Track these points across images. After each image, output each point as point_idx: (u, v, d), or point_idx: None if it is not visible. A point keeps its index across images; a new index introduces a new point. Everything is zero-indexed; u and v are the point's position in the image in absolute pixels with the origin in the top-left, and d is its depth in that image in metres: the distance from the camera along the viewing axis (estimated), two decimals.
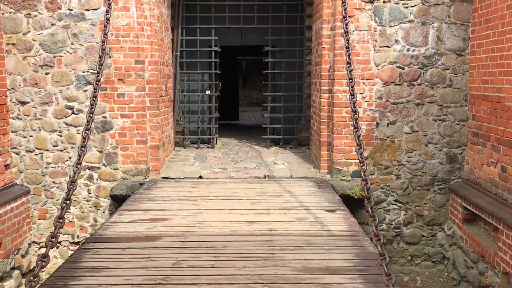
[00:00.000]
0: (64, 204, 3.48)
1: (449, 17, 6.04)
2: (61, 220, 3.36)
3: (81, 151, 3.89)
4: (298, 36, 7.70)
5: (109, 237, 4.10)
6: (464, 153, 6.25)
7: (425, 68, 6.14)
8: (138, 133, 6.24)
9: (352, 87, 4.19)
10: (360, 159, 3.76)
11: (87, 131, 4.06)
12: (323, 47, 6.27)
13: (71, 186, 3.60)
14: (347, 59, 4.39)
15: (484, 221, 5.60)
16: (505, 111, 5.15)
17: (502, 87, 5.23)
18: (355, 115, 4.06)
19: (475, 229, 5.80)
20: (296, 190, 5.71)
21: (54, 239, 3.16)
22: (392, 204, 6.41)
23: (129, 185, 6.08)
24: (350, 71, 4.31)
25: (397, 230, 6.45)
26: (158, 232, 4.22)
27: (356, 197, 6.08)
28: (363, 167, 3.74)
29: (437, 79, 6.16)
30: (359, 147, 3.86)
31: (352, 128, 4.08)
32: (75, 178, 3.69)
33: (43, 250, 6.09)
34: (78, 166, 3.76)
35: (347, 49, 4.48)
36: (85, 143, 3.98)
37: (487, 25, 5.56)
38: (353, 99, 4.14)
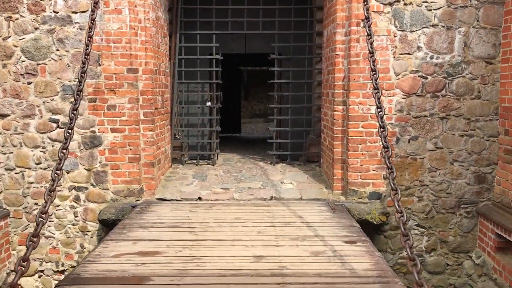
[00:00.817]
0: (31, 242, 2.82)
1: (477, 20, 5.42)
2: (25, 263, 2.70)
3: (55, 175, 3.22)
4: (307, 43, 7.07)
5: (89, 277, 3.43)
6: (494, 173, 5.58)
7: (450, 78, 5.50)
8: (130, 149, 5.59)
9: (379, 98, 3.55)
10: (392, 186, 3.11)
11: (63, 151, 3.40)
12: (337, 54, 5.64)
13: (40, 219, 2.94)
14: (372, 66, 3.75)
15: None
16: None
17: None
18: (384, 132, 3.41)
19: (511, 260, 5.12)
20: (308, 215, 5.04)
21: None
22: (414, 229, 5.73)
23: (120, 208, 5.42)
24: (376, 80, 3.67)
25: (419, 258, 5.76)
26: (148, 271, 3.54)
27: (375, 223, 5.41)
28: (397, 195, 3.08)
29: (464, 90, 5.51)
30: (390, 170, 3.20)
31: (381, 148, 3.42)
32: (47, 208, 3.03)
33: (22, 280, 5.42)
34: (51, 193, 3.09)
35: (371, 54, 3.84)
36: (61, 165, 3.32)
37: None
38: (380, 113, 3.50)
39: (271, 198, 5.68)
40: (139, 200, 5.62)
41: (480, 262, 5.56)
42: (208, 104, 7.28)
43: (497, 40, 5.42)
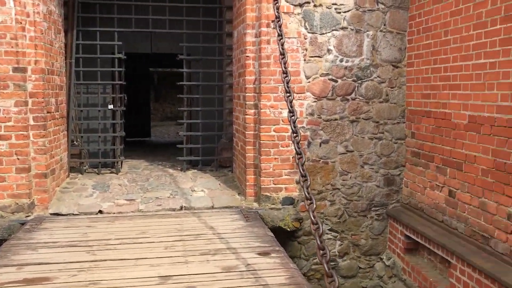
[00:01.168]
0: None
1: (384, 24, 5.48)
2: None
3: None
4: (217, 43, 6.79)
5: None
6: (402, 175, 5.68)
7: (359, 81, 5.51)
8: (18, 158, 4.93)
9: (291, 102, 3.35)
10: (307, 195, 2.91)
11: None
12: (247, 56, 5.43)
13: None
14: (283, 68, 3.55)
15: (428, 250, 5.02)
16: (452, 128, 4.61)
17: (447, 102, 4.70)
18: (297, 138, 3.21)
19: (419, 260, 5.22)
20: (220, 225, 4.75)
21: None
22: (327, 233, 5.66)
23: (6, 225, 4.75)
24: (287, 83, 3.47)
25: (332, 263, 5.71)
26: None
27: (288, 229, 5.26)
28: (312, 205, 2.88)
29: (372, 93, 5.55)
30: (304, 178, 3.01)
31: (294, 153, 3.22)
32: None
33: None
34: None
35: (283, 56, 3.63)
36: None
37: (427, 34, 5.04)
38: (293, 117, 3.30)
39: (181, 208, 5.31)
40: (29, 216, 4.97)
41: (390, 263, 5.62)
42: (110, 107, 6.72)
43: (403, 44, 5.52)
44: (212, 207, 5.36)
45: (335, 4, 5.34)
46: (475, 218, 4.26)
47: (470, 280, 4.12)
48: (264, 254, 3.97)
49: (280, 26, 3.85)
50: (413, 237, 5.16)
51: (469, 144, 4.34)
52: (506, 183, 3.83)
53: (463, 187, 4.45)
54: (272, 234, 4.54)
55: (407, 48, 5.50)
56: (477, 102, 4.21)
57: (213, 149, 6.87)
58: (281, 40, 3.76)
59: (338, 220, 5.66)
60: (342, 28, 5.40)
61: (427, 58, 5.06)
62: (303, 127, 5.45)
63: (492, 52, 3.97)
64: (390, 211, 5.65)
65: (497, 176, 3.95)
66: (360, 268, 5.79)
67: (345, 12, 5.38)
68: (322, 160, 5.56)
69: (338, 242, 5.70)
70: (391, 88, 5.56)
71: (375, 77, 5.52)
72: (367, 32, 5.44)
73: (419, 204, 5.26)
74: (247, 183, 5.56)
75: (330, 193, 5.61)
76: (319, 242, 2.67)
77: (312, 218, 2.79)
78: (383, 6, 5.43)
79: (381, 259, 5.78)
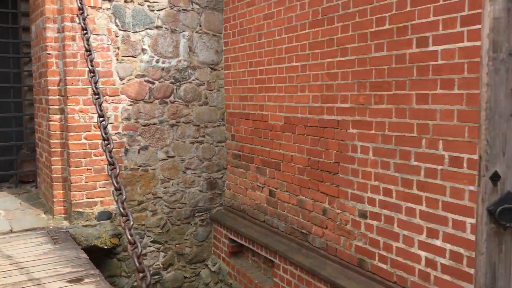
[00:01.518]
0: None
1: (200, 26, 5.35)
2: None
3: None
4: (11, 39, 5.84)
5: None
6: (224, 178, 5.64)
7: (178, 83, 5.29)
8: None
9: (100, 105, 2.92)
10: (122, 211, 2.53)
11: None
12: (49, 54, 4.74)
13: None
14: (90, 67, 3.09)
15: (252, 252, 5.06)
16: (270, 130, 4.70)
17: (264, 104, 4.77)
18: (108, 146, 2.80)
19: (244, 262, 5.22)
20: (21, 252, 4.00)
21: None
22: (149, 246, 5.29)
23: None
24: (96, 83, 3.02)
25: (157, 277, 5.37)
26: None
27: (106, 247, 4.74)
28: (128, 222, 2.52)
29: (191, 96, 5.38)
30: (118, 192, 2.63)
31: (107, 165, 2.80)
32: None
33: None
34: None
35: (89, 53, 3.16)
36: None
37: (242, 37, 5.07)
38: (103, 123, 2.88)
39: None
40: None
41: (216, 269, 5.52)
42: None
43: (219, 47, 5.47)
44: (11, 231, 4.53)
45: (148, 1, 5.02)
46: (294, 216, 4.39)
47: (292, 277, 4.22)
48: (76, 280, 3.44)
49: (84, 19, 3.37)
50: (237, 239, 5.14)
51: (286, 144, 4.45)
52: (320, 181, 4.00)
53: (282, 186, 4.55)
54: (86, 256, 3.99)
55: (223, 50, 5.46)
56: (291, 104, 4.34)
57: (12, 162, 5.90)
58: (86, 35, 3.28)
59: (161, 231, 5.34)
60: (157, 27, 5.11)
61: (243, 61, 5.08)
62: (118, 133, 5.00)
63: (303, 56, 4.12)
64: (214, 215, 5.55)
65: (312, 174, 4.11)
66: (185, 277, 5.57)
67: (159, 10, 5.09)
68: (141, 168, 5.17)
69: (162, 254, 5.38)
70: (210, 90, 5.47)
71: (194, 80, 5.36)
72: (183, 33, 5.25)
73: (242, 205, 5.26)
74: (55, 200, 4.86)
75: (152, 203, 5.26)
76: (137, 264, 2.33)
77: (129, 237, 2.43)
78: (198, 7, 5.29)
79: (207, 265, 5.65)
